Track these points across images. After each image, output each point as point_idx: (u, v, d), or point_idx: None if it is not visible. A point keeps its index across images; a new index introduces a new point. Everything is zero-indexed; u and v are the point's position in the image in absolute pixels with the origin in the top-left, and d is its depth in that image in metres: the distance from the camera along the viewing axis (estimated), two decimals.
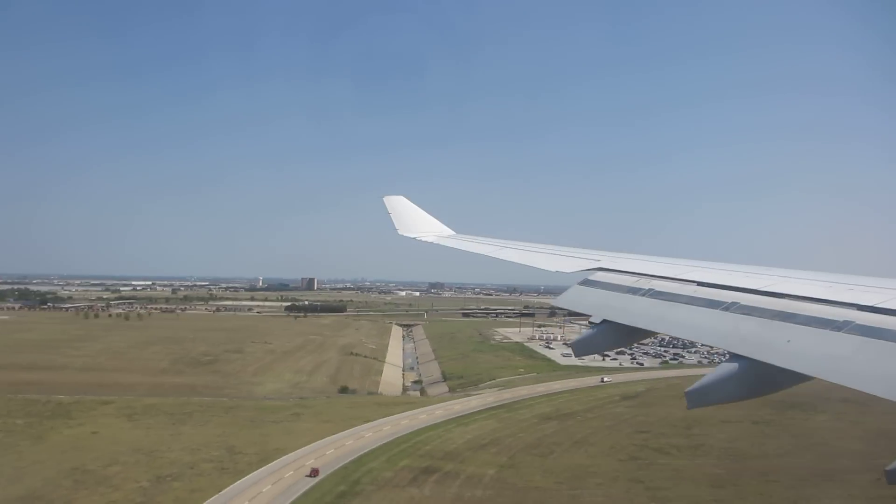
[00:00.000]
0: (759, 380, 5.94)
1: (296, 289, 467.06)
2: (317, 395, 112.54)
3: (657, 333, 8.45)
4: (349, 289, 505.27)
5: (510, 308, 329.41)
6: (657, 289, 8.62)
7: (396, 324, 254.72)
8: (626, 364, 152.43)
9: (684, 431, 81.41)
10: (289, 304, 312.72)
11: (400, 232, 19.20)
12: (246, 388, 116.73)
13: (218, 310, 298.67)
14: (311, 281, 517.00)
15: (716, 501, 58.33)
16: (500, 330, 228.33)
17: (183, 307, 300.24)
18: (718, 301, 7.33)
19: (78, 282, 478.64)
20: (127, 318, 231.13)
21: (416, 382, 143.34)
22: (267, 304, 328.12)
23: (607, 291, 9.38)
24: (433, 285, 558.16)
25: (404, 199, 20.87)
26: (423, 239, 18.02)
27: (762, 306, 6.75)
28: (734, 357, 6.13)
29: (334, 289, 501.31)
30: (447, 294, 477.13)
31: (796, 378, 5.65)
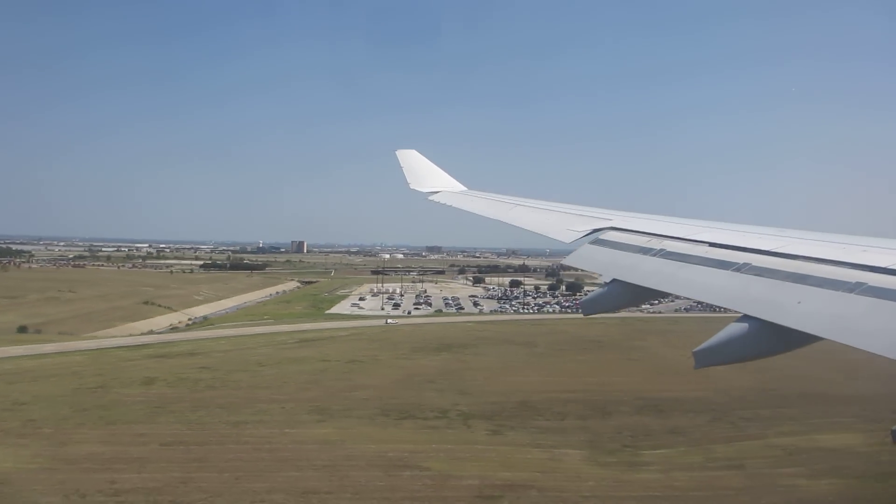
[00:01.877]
0: (768, 340, 5.96)
1: (286, 252, 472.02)
2: None
3: (667, 293, 8.47)
4: (338, 252, 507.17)
5: (437, 268, 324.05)
6: (668, 249, 8.59)
7: (299, 281, 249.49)
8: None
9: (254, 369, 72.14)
10: (208, 262, 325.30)
11: (412, 186, 19.14)
12: None
13: (134, 266, 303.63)
14: (301, 244, 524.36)
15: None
16: (368, 287, 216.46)
17: (100, 264, 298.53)
18: (730, 262, 7.31)
19: (62, 243, 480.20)
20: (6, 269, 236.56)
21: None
22: (183, 262, 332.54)
23: (618, 251, 9.37)
24: (430, 248, 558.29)
25: (416, 153, 20.76)
26: (434, 198, 17.94)
27: (774, 267, 6.72)
28: (744, 317, 6.14)
29: (322, 252, 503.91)
30: (434, 256, 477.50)
31: (806, 339, 5.66)
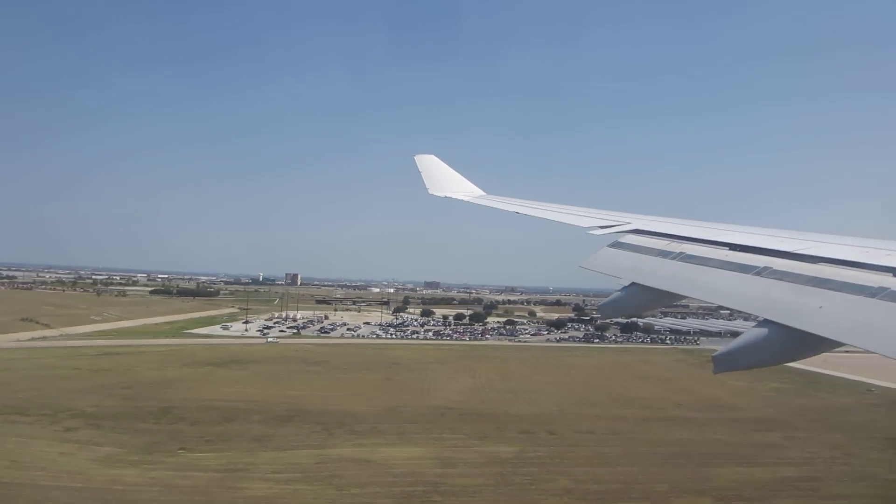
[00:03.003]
0: (788, 345, 5.88)
1: (281, 284, 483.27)
2: None
3: (686, 297, 8.41)
4: (329, 286, 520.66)
5: (381, 300, 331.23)
6: (688, 252, 8.53)
7: (240, 307, 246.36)
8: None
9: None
10: (160, 288, 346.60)
11: (430, 191, 19.14)
12: None
13: (80, 290, 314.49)
14: (295, 277, 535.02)
15: None
16: (277, 313, 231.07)
17: (61, 288, 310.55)
18: (750, 265, 7.23)
19: (63, 271, 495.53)
20: None
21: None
22: (136, 287, 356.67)
23: (637, 254, 9.32)
24: (429, 283, 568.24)
25: (435, 157, 20.75)
26: (454, 197, 17.96)
27: (795, 271, 6.64)
28: (764, 322, 6.08)
29: (314, 285, 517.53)
30: (428, 291, 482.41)
31: (827, 344, 5.59)
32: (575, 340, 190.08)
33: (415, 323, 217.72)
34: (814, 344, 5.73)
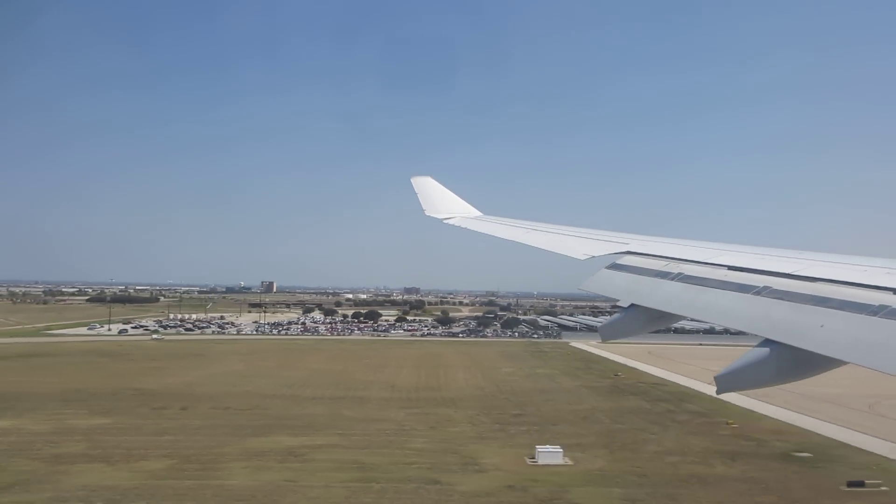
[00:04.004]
0: (790, 365, 5.86)
1: (255, 292, 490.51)
2: None
3: (685, 318, 8.39)
4: (300, 293, 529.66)
5: (313, 303, 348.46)
6: (686, 273, 8.53)
7: (173, 313, 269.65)
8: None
9: None
10: (96, 296, 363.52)
11: (427, 213, 19.18)
12: None
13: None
14: (271, 284, 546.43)
15: None
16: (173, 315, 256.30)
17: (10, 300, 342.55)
18: (750, 285, 7.24)
19: (42, 285, 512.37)
20: None
21: None
22: (79, 298, 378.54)
23: (635, 275, 9.32)
24: (408, 289, 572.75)
25: (431, 179, 20.85)
26: (450, 222, 17.98)
27: (795, 290, 6.64)
28: (766, 342, 6.06)
29: (287, 292, 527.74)
30: (405, 296, 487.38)
31: (829, 363, 5.57)
32: (461, 335, 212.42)
33: (307, 321, 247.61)
34: (816, 363, 5.71)
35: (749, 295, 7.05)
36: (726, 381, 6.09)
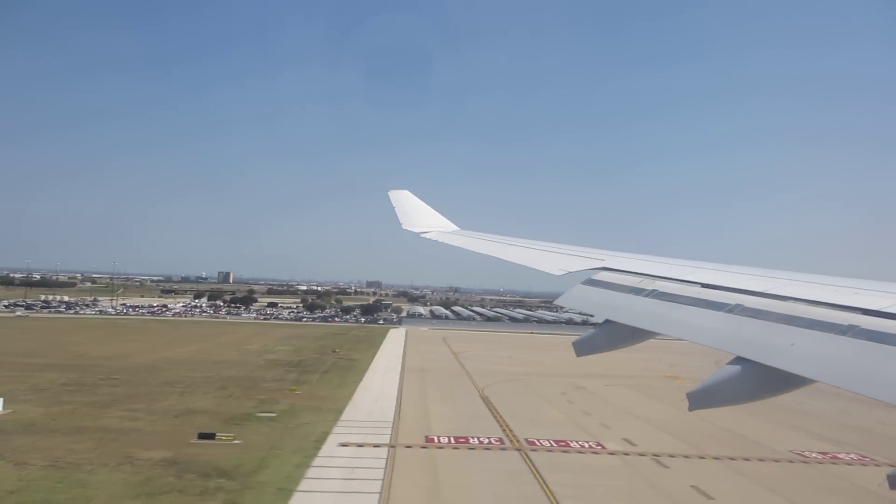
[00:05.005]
0: (761, 382, 5.88)
1: (211, 282, 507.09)
2: None
3: (659, 334, 8.41)
4: (254, 283, 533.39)
5: (220, 291, 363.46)
6: (661, 289, 8.57)
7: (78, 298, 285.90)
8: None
9: None
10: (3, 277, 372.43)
11: (404, 226, 19.14)
12: None
13: None
14: (227, 275, 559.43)
15: None
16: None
17: None
18: (722, 303, 7.28)
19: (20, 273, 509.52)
20: None
21: None
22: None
23: (610, 291, 9.34)
24: (371, 283, 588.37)
25: (409, 193, 20.84)
26: (427, 237, 17.94)
27: (766, 309, 6.68)
28: (737, 359, 6.08)
29: (244, 282, 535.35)
30: (367, 289, 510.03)
31: (799, 381, 5.60)
32: (305, 320, 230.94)
33: (179, 307, 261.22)
34: (786, 381, 5.73)
35: (721, 312, 7.08)
36: (698, 398, 6.09)
